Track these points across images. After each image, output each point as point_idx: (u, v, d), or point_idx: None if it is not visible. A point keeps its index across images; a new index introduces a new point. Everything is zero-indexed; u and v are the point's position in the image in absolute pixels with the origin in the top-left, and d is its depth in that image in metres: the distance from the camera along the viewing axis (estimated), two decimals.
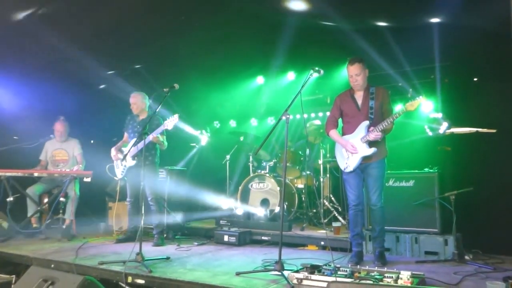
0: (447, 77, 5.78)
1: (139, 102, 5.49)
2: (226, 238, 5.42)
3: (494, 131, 4.57)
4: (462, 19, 4.81)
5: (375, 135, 4.01)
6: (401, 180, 4.79)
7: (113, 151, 5.54)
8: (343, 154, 4.29)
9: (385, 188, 4.38)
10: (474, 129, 4.20)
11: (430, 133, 5.71)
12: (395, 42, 5.51)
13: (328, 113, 7.49)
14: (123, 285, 3.73)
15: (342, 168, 4.31)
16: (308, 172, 6.44)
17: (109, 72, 6.91)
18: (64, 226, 5.74)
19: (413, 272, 3.19)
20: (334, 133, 4.37)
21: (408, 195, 4.69)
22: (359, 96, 4.25)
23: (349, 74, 4.21)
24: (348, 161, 4.22)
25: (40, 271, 3.19)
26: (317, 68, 3.91)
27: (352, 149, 4.14)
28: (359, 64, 4.14)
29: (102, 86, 7.46)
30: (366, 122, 4.12)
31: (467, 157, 5.08)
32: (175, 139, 6.23)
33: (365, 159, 4.13)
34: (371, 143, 4.10)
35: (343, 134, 4.35)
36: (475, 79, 5.59)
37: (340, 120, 4.44)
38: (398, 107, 5.77)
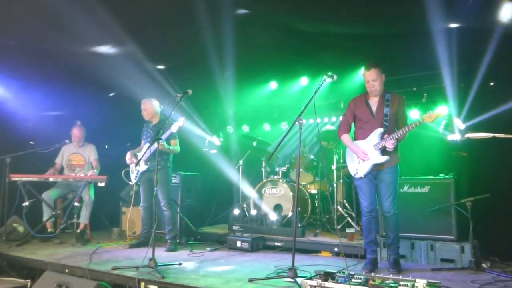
0: (463, 82, 5.70)
1: (149, 108, 5.54)
2: (239, 243, 5.40)
3: (511, 136, 4.47)
4: (478, 23, 4.74)
5: (391, 144, 3.95)
6: (416, 186, 4.72)
7: (128, 154, 5.58)
8: (354, 160, 4.24)
9: (400, 194, 4.33)
10: (490, 134, 4.10)
11: (449, 136, 5.58)
12: (410, 47, 5.46)
13: (341, 118, 7.50)
14: None
15: (352, 174, 4.26)
16: (318, 178, 6.41)
17: (126, 77, 6.99)
18: (78, 231, 5.79)
19: (429, 280, 3.13)
20: (346, 138, 4.31)
21: (423, 201, 4.63)
22: (374, 102, 4.19)
23: (366, 79, 4.14)
24: (358, 167, 4.17)
25: (54, 276, 3.21)
26: (330, 74, 3.87)
27: (363, 156, 4.09)
28: (376, 69, 4.07)
29: (117, 91, 7.52)
30: (380, 130, 4.07)
31: (483, 163, 4.99)
32: (187, 144, 6.26)
33: (377, 166, 4.08)
34: (383, 151, 4.05)
35: (355, 139, 4.30)
36: (491, 84, 5.51)
37: (352, 124, 4.39)
38: (413, 114, 5.74)
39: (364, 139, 4.17)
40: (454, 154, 5.38)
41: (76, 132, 6.39)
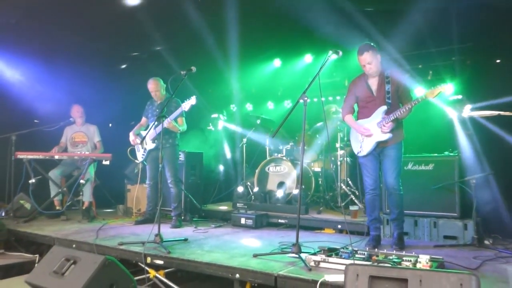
0: (469, 59, 5.64)
1: (159, 88, 5.51)
2: (243, 220, 5.46)
3: None
4: None
5: (388, 125, 3.94)
6: (420, 164, 4.72)
7: (131, 135, 5.59)
8: (358, 138, 4.23)
9: (404, 171, 4.33)
10: (496, 112, 4.06)
11: (455, 114, 5.53)
12: (415, 23, 5.37)
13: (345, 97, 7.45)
14: (142, 265, 3.80)
15: (356, 153, 4.26)
16: (321, 156, 6.43)
17: (128, 55, 6.95)
18: (83, 208, 5.86)
19: (432, 256, 3.16)
20: (349, 118, 4.30)
21: (427, 179, 4.63)
22: (373, 82, 4.15)
23: (361, 64, 4.10)
24: (362, 145, 4.16)
25: (62, 251, 3.26)
26: (336, 49, 3.82)
27: (364, 131, 4.08)
28: (369, 53, 4.01)
29: (121, 68, 7.50)
30: (384, 107, 4.05)
31: (488, 140, 4.98)
32: (191, 122, 6.25)
33: (381, 143, 4.06)
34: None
35: (359, 118, 4.27)
36: (498, 61, 5.44)
37: (356, 105, 4.35)
38: (418, 91, 5.69)
39: (368, 117, 4.16)
40: (459, 131, 5.35)
41: (76, 109, 6.42)
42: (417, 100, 3.84)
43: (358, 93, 4.25)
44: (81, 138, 6.45)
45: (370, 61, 4.03)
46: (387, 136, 4.00)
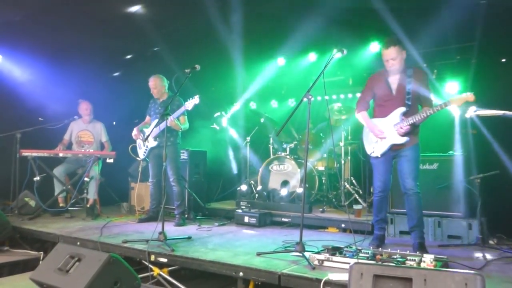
0: (473, 58, 5.61)
1: (159, 86, 5.52)
2: (246, 219, 5.46)
3: None
4: None
5: (405, 128, 3.79)
6: (425, 163, 4.71)
7: (135, 130, 5.60)
8: (371, 138, 4.07)
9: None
10: (500, 112, 4.03)
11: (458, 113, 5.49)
12: (419, 22, 5.35)
13: (350, 95, 7.43)
14: (146, 263, 3.81)
15: (369, 153, 4.11)
16: (325, 155, 6.42)
17: (130, 56, 6.96)
18: (87, 206, 5.88)
19: (436, 256, 3.15)
20: (364, 116, 4.12)
21: (432, 178, 4.62)
22: (394, 80, 3.96)
23: (384, 58, 3.92)
24: (376, 146, 4.02)
25: (67, 248, 3.26)
26: (340, 48, 3.74)
27: (379, 133, 3.94)
28: (395, 48, 3.83)
29: (125, 66, 7.51)
30: (403, 109, 3.87)
31: (493, 140, 4.95)
32: (194, 120, 6.26)
33: (397, 146, 3.91)
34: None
35: (374, 116, 4.10)
36: (503, 60, 5.41)
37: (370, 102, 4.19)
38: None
39: (384, 117, 3.99)
40: (463, 131, 5.33)
41: (84, 105, 6.41)
42: (440, 107, 3.66)
43: (376, 90, 4.06)
44: (87, 138, 6.44)
45: (394, 57, 3.85)
46: (403, 139, 3.85)
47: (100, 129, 6.52)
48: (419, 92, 3.88)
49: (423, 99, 3.90)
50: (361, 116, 4.15)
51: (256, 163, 6.96)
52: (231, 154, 7.98)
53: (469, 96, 3.58)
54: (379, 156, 3.99)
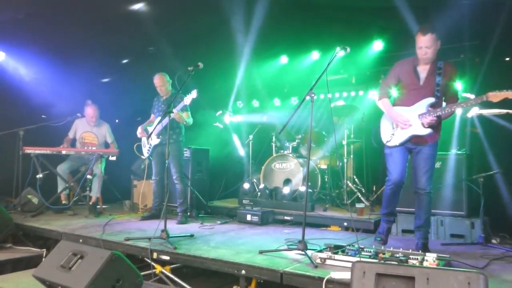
0: (477, 56, 5.59)
1: (165, 83, 5.52)
2: (249, 217, 5.46)
3: None
4: None
5: (430, 119, 3.61)
6: None
7: (139, 128, 5.61)
8: (390, 126, 3.88)
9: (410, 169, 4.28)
10: (504, 111, 4.01)
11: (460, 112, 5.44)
12: (422, 20, 5.33)
13: (353, 93, 7.41)
14: (149, 260, 3.81)
15: (385, 141, 3.89)
16: (327, 154, 6.41)
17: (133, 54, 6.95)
18: (90, 203, 5.89)
19: (439, 255, 3.15)
20: (386, 102, 3.90)
21: (435, 177, 4.58)
22: (423, 69, 3.76)
23: (418, 45, 3.69)
24: (394, 134, 3.81)
25: (69, 245, 3.27)
26: (344, 46, 3.68)
27: (403, 124, 3.71)
28: (432, 35, 3.61)
29: (129, 65, 7.51)
30: (431, 99, 3.67)
31: (496, 139, 4.94)
32: (197, 118, 6.26)
33: (416, 138, 3.72)
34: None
35: (396, 105, 3.88)
36: (507, 59, 5.39)
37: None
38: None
39: (409, 106, 3.78)
40: (467, 130, 5.32)
41: (91, 111, 6.35)
42: (475, 101, 3.46)
43: (402, 78, 3.85)
44: (91, 140, 6.41)
45: (429, 45, 3.64)
46: (427, 131, 3.65)
47: (105, 131, 6.49)
48: (448, 86, 3.73)
49: (450, 93, 3.75)
50: (383, 103, 3.94)
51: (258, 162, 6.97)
52: (233, 152, 7.97)
53: (510, 93, 3.38)
54: (397, 144, 3.79)
